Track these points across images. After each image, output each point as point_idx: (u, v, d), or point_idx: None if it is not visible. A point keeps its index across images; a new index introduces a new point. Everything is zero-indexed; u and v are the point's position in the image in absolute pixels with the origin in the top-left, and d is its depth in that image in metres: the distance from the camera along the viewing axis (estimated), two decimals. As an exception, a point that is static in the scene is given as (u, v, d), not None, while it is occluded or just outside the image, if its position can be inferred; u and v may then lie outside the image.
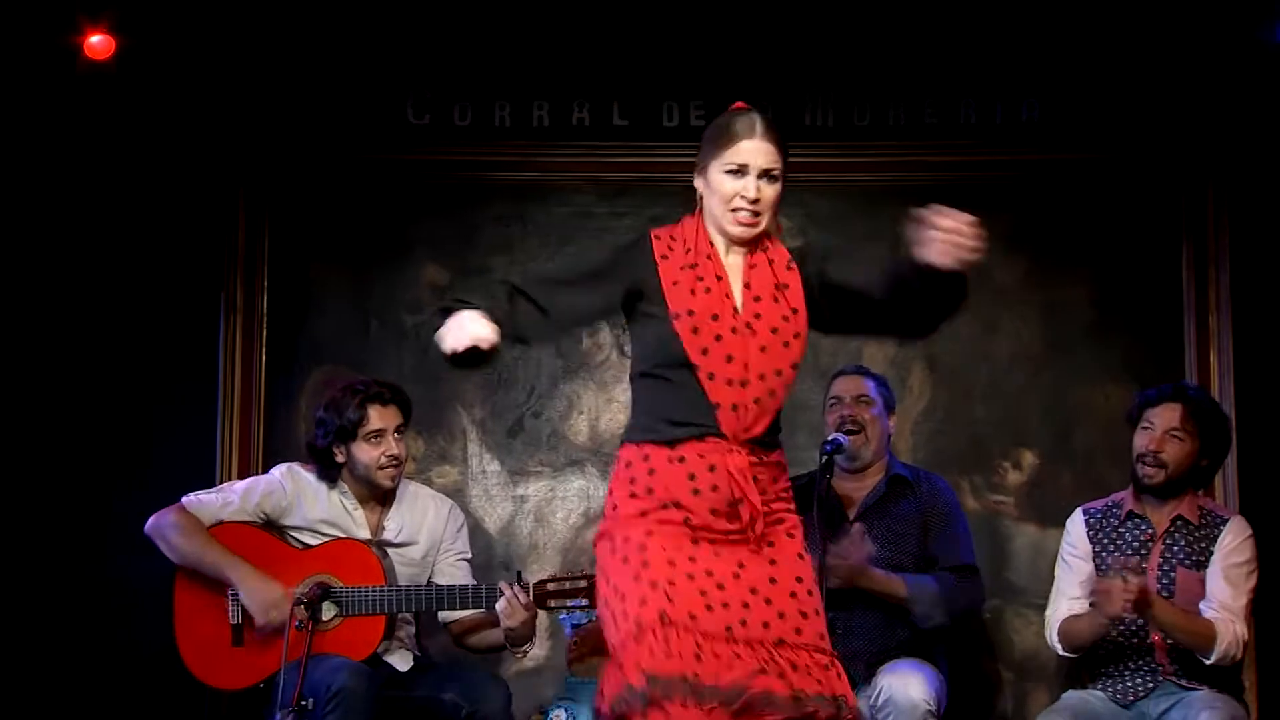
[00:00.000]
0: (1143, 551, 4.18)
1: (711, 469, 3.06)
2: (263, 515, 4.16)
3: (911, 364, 5.04)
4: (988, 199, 5.11)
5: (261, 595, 4.00)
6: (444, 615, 4.27)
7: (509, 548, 5.06)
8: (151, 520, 4.16)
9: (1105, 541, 4.28)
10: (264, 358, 5.11)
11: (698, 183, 3.25)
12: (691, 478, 3.05)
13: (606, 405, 5.13)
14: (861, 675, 4.10)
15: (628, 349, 5.12)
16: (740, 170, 3.15)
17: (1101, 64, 5.08)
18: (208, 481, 4.95)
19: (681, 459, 3.06)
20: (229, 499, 4.15)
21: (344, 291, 5.18)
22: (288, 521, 4.16)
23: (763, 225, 3.19)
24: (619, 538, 3.06)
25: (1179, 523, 4.19)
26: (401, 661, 4.16)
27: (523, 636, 4.10)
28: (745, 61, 5.13)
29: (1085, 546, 4.30)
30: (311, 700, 3.65)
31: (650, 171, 5.16)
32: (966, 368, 5.10)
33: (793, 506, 3.23)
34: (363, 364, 5.11)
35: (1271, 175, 4.99)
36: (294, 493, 4.16)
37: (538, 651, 4.77)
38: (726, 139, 3.17)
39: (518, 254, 5.19)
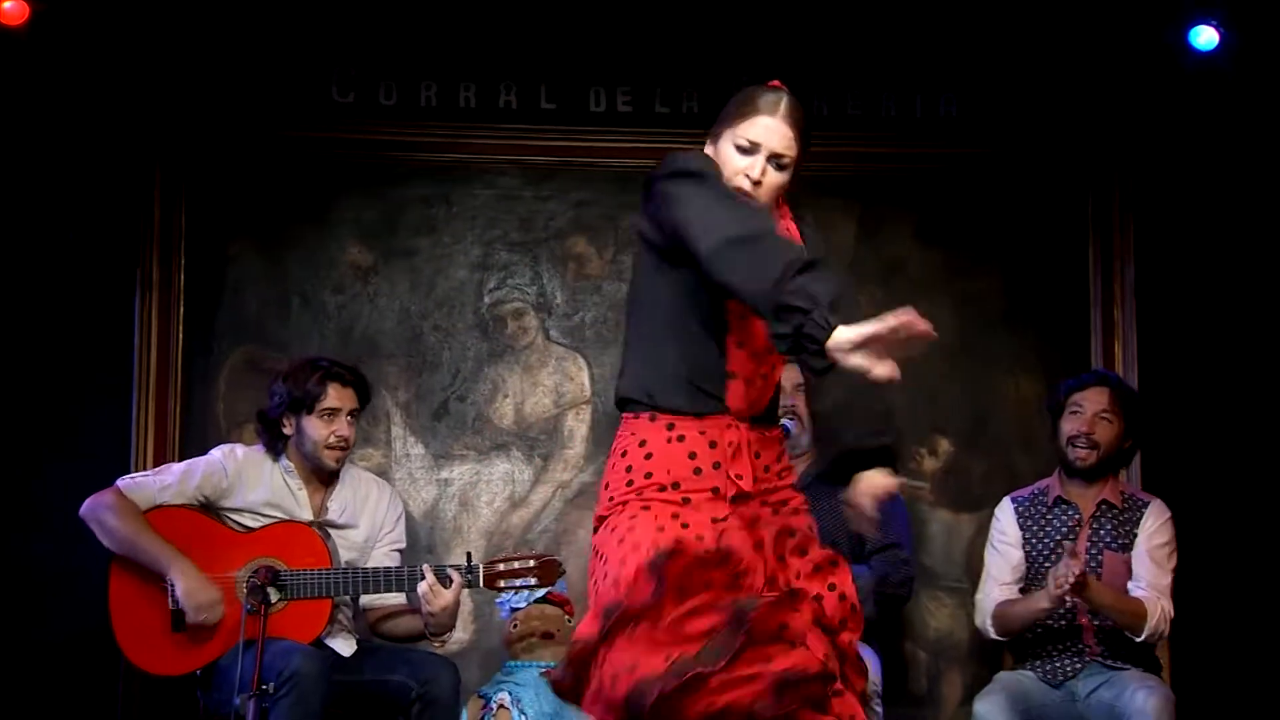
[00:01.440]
0: (1071, 536, 4.34)
1: (712, 445, 2.93)
2: (202, 498, 4.07)
3: (832, 351, 5.11)
4: (906, 191, 5.26)
5: (197, 597, 3.91)
6: (364, 600, 4.22)
7: (433, 532, 5.02)
8: (86, 504, 4.04)
9: (1035, 528, 4.43)
10: (181, 337, 4.98)
11: (708, 148, 3.04)
12: (692, 456, 2.92)
13: (532, 389, 5.12)
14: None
15: (553, 333, 5.15)
16: (751, 148, 2.98)
17: (1017, 63, 5.22)
18: (122, 463, 4.85)
19: (681, 437, 2.93)
20: (166, 481, 4.06)
21: (264, 270, 5.08)
22: (227, 504, 4.08)
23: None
24: (618, 521, 2.93)
25: (1104, 507, 4.37)
26: (344, 645, 4.11)
27: (443, 625, 4.07)
28: (671, 50, 5.17)
29: (1015, 534, 4.44)
30: (271, 684, 3.58)
31: (577, 156, 5.17)
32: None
33: (795, 483, 3.16)
34: (284, 344, 5.04)
35: (1175, 175, 5.18)
36: (235, 474, 4.08)
37: (461, 635, 4.76)
38: (746, 111, 3.01)
39: (442, 235, 5.16)
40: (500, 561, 4.05)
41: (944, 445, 5.19)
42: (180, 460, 4.69)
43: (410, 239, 5.14)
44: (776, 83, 3.12)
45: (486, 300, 5.14)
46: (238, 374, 5.03)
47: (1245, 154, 5.05)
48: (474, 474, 5.08)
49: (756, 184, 2.99)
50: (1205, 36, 4.95)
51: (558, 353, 5.14)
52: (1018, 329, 5.23)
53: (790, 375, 4.45)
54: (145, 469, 4.71)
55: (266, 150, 5.07)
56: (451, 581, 3.95)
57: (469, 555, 4.09)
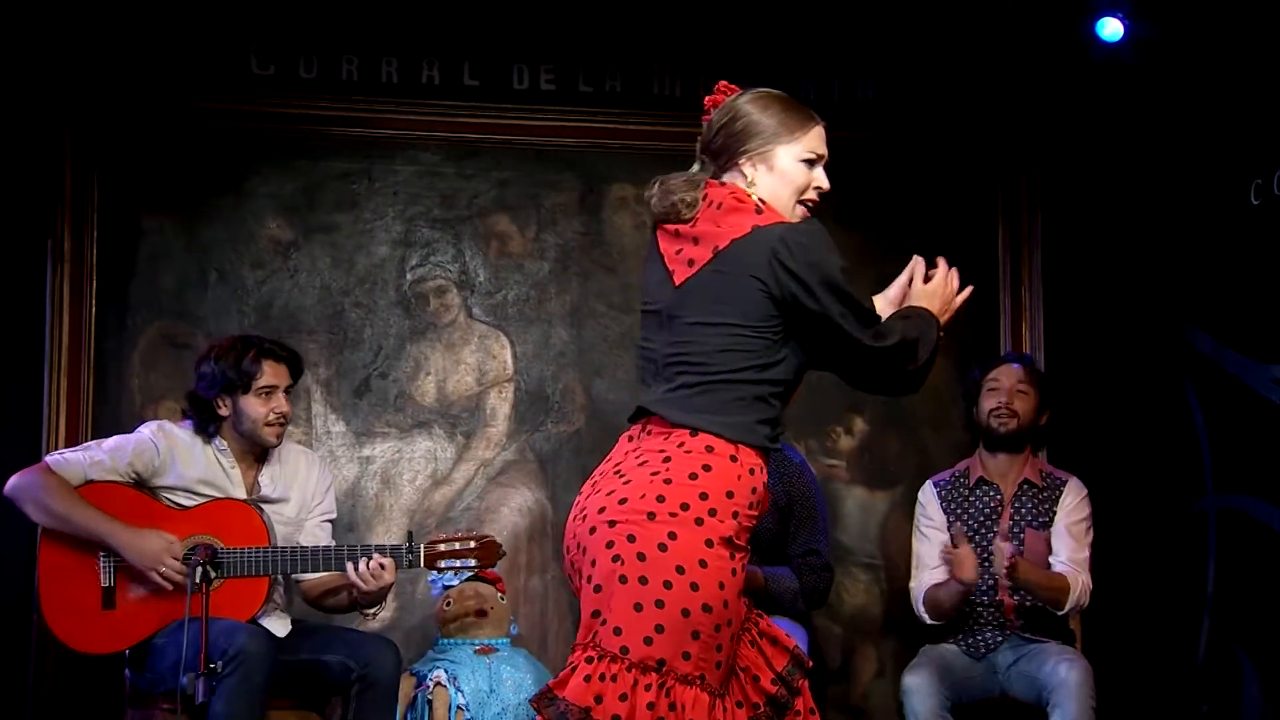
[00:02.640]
0: (994, 517, 4.46)
1: (753, 491, 2.95)
2: (134, 474, 3.99)
3: (752, 332, 5.17)
4: (828, 173, 5.31)
5: (144, 548, 3.83)
6: (298, 574, 4.18)
7: (355, 510, 4.98)
8: (13, 481, 3.93)
9: (958, 510, 4.55)
10: (94, 311, 4.87)
11: (748, 167, 3.03)
12: (753, 491, 2.94)
13: (454, 367, 5.10)
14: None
15: (476, 311, 5.13)
16: (817, 160, 3.03)
17: (932, 51, 5.33)
18: (34, 440, 4.74)
19: (751, 470, 2.93)
20: (97, 457, 3.97)
21: (180, 244, 4.98)
22: (160, 482, 4.00)
23: None
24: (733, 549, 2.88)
25: (1025, 486, 4.51)
26: (279, 625, 4.06)
27: (375, 600, 4.06)
28: (595, 29, 5.18)
29: (940, 517, 4.55)
30: (219, 663, 3.53)
31: (499, 134, 5.16)
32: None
33: None
34: (201, 320, 4.96)
35: (1081, 164, 5.34)
36: (167, 451, 4.01)
37: (384, 614, 4.74)
38: (804, 122, 3.04)
39: (363, 211, 5.11)
40: (441, 542, 4.04)
41: (859, 424, 5.29)
42: (93, 437, 4.62)
43: (330, 214, 5.08)
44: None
45: (409, 277, 5.11)
46: (153, 350, 4.93)
47: (1148, 143, 5.21)
48: (396, 452, 5.05)
49: (823, 196, 3.07)
50: (1111, 28, 5.09)
51: (480, 330, 5.13)
52: (930, 310, 5.33)
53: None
54: (58, 447, 4.61)
55: (183, 121, 4.97)
56: (386, 565, 3.92)
57: (410, 535, 4.07)
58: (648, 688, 2.78)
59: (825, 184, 3.05)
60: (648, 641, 2.79)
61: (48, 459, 3.98)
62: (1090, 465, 4.97)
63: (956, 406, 5.19)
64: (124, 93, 4.91)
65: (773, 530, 4.41)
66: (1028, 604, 4.37)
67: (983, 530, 4.45)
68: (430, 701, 4.10)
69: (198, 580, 3.62)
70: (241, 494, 4.07)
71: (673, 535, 2.81)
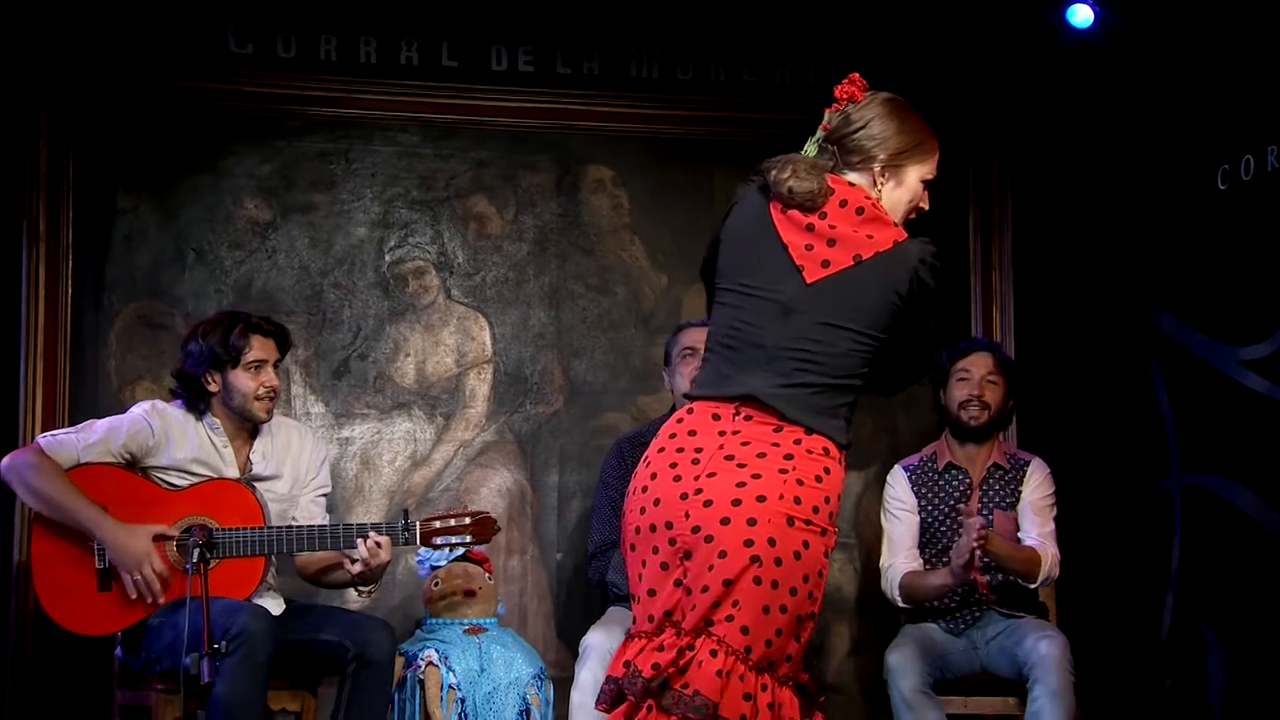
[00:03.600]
0: (963, 500, 4.55)
1: None
2: (128, 455, 3.96)
3: (728, 314, 5.21)
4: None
5: (128, 548, 3.82)
6: (294, 553, 4.17)
7: (335, 491, 4.91)
8: (5, 462, 3.90)
9: (929, 494, 4.62)
10: (70, 291, 4.82)
11: (882, 177, 3.11)
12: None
13: (434, 348, 5.11)
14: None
15: (455, 292, 5.14)
16: (929, 183, 3.17)
17: (905, 35, 5.39)
18: (10, 421, 4.69)
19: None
20: (89, 438, 3.94)
21: (157, 224, 4.95)
22: (153, 462, 3.98)
23: None
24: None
25: (992, 469, 4.60)
26: (274, 605, 4.06)
27: (374, 578, 4.07)
28: (573, 11, 5.19)
29: (911, 500, 4.62)
30: (224, 643, 3.53)
31: (477, 115, 5.16)
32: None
33: None
34: (178, 300, 4.93)
35: (1052, 148, 5.42)
36: (161, 431, 3.99)
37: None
38: (934, 143, 3.17)
39: (340, 192, 5.09)
40: (436, 519, 4.05)
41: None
42: (70, 418, 4.60)
43: (308, 195, 5.06)
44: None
45: (387, 258, 5.11)
46: (130, 330, 4.89)
47: (1118, 129, 5.30)
48: (375, 433, 5.04)
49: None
50: (1081, 15, 5.16)
51: (459, 312, 5.13)
52: (902, 293, 5.40)
53: (704, 338, 4.50)
54: (34, 428, 4.58)
55: (160, 100, 4.93)
56: (384, 543, 3.94)
57: (405, 512, 4.07)
58: (764, 688, 2.87)
59: (927, 205, 3.18)
60: (768, 644, 2.88)
61: (40, 440, 3.95)
62: (1057, 445, 5.06)
63: (926, 389, 5.25)
64: (100, 71, 4.86)
65: None
66: (999, 579, 4.45)
67: (953, 514, 4.53)
68: (422, 681, 4.12)
69: (195, 561, 3.60)
70: (234, 472, 4.06)
71: (806, 545, 2.90)
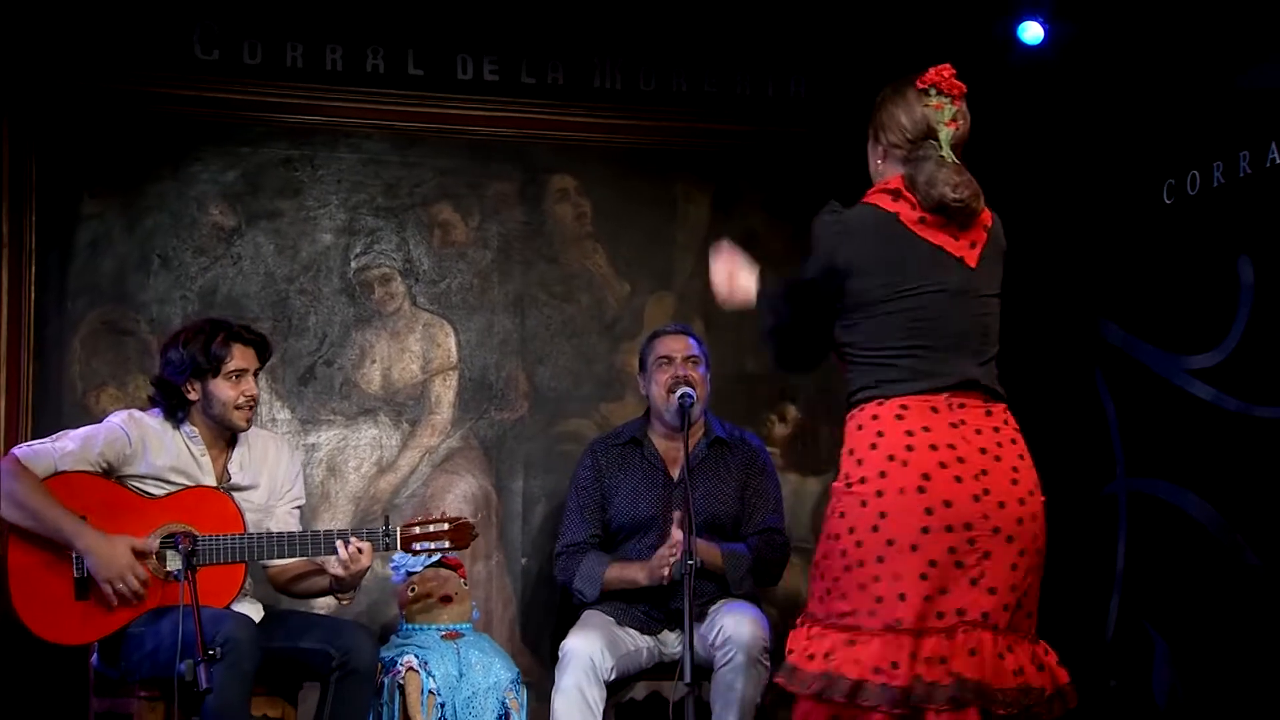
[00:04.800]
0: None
1: None
2: (104, 464, 3.95)
3: (690, 321, 5.28)
4: (757, 166, 5.46)
5: (108, 558, 3.81)
6: (267, 560, 4.18)
7: (301, 498, 4.98)
8: (-21, 474, 3.88)
9: None
10: (34, 296, 4.79)
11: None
12: None
13: (400, 354, 5.13)
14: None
15: (420, 299, 5.17)
16: None
17: (861, 49, 5.49)
18: (-29, 430, 4.65)
19: None
20: (67, 447, 3.92)
21: (122, 229, 4.93)
22: (130, 471, 3.97)
23: None
24: None
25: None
26: (253, 612, 4.06)
27: (353, 584, 4.10)
28: (538, 21, 5.24)
29: None
30: (218, 649, 3.53)
31: (442, 123, 5.20)
32: (739, 326, 5.39)
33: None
34: (143, 306, 4.92)
35: (1003, 162, 5.47)
36: (139, 440, 3.98)
37: (330, 600, 4.74)
38: None
39: (306, 199, 5.11)
40: (416, 525, 4.08)
41: (792, 412, 5.43)
42: (33, 425, 4.59)
43: (274, 201, 5.07)
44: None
45: (353, 265, 5.12)
46: (94, 336, 4.87)
47: (1066, 143, 5.43)
48: (341, 439, 5.06)
49: None
50: (1032, 32, 5.30)
51: (425, 319, 5.16)
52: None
53: (680, 346, 4.59)
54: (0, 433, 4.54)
55: (124, 104, 4.91)
56: (364, 549, 3.96)
57: (386, 518, 4.10)
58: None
59: None
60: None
61: (16, 450, 3.93)
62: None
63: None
64: (65, 75, 4.83)
65: (734, 513, 4.54)
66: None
67: None
68: (401, 686, 4.14)
69: (183, 568, 3.61)
70: (212, 481, 4.06)
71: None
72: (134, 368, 4.87)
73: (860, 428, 3.24)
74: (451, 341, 5.16)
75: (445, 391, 5.14)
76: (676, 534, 4.22)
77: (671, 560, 4.20)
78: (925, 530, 3.13)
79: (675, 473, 4.56)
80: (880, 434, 3.20)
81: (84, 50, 4.84)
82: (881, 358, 3.28)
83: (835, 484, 3.28)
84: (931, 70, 3.47)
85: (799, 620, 3.35)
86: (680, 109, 5.38)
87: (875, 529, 3.15)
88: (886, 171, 3.49)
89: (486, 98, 5.21)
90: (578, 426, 5.20)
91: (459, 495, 5.09)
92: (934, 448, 3.16)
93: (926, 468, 3.15)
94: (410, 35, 5.14)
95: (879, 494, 3.15)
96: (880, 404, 3.24)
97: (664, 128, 5.36)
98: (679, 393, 4.40)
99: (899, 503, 3.14)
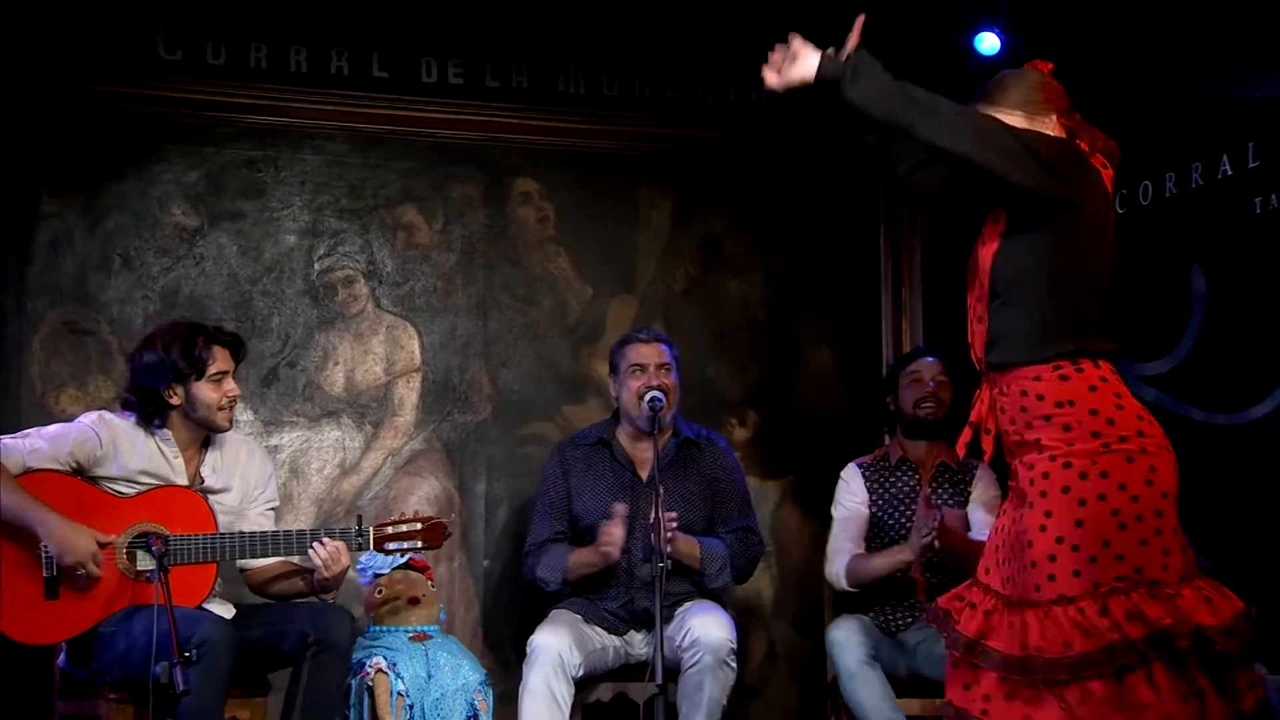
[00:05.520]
0: (913, 496, 4.72)
1: None
2: (74, 464, 3.92)
3: (651, 325, 5.30)
4: (720, 173, 5.51)
5: (71, 543, 3.78)
6: (244, 561, 4.17)
7: (263, 498, 4.95)
8: (-52, 466, 3.83)
9: (880, 489, 4.80)
10: (-9, 295, 4.75)
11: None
12: None
13: (363, 357, 5.13)
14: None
15: (384, 301, 5.18)
16: None
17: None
18: (-69, 429, 4.58)
19: None
20: (36, 445, 3.89)
21: (82, 228, 4.89)
22: (101, 472, 3.94)
23: None
24: None
25: (942, 467, 4.78)
26: (223, 610, 4.04)
27: (335, 584, 4.09)
28: (503, 24, 5.26)
29: (864, 495, 4.79)
30: (194, 651, 3.51)
31: (407, 125, 5.20)
32: (700, 330, 5.45)
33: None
34: (104, 306, 4.89)
35: (959, 168, 5.61)
36: (109, 442, 3.95)
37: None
38: None
39: (269, 200, 5.09)
40: (389, 524, 4.08)
41: (752, 416, 5.48)
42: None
43: (237, 202, 5.05)
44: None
45: (316, 267, 5.11)
46: (54, 337, 4.83)
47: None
48: (304, 441, 5.05)
49: None
50: (988, 42, 5.38)
51: (388, 321, 5.16)
52: (816, 307, 5.57)
53: (653, 354, 4.62)
54: (-45, 434, 4.48)
55: (87, 104, 4.88)
56: (343, 546, 3.96)
57: (359, 518, 4.10)
58: None
59: None
60: None
61: (-16, 444, 3.89)
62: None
63: (841, 398, 5.44)
64: (25, 72, 4.79)
65: (703, 513, 4.58)
66: (934, 580, 4.61)
67: (901, 509, 4.70)
68: (370, 688, 4.13)
69: (156, 569, 3.59)
70: (183, 482, 4.03)
71: None
72: (94, 368, 4.84)
73: (1093, 388, 3.22)
74: (415, 344, 5.16)
75: (408, 394, 5.14)
76: (618, 508, 4.34)
77: (615, 539, 4.29)
78: (1165, 495, 3.22)
79: (644, 474, 4.59)
80: (1118, 395, 3.22)
81: (46, 48, 4.80)
82: (1065, 305, 3.27)
83: (1077, 446, 3.18)
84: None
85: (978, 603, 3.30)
86: (643, 114, 5.42)
87: (1150, 483, 3.17)
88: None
89: (451, 101, 5.21)
90: (540, 429, 5.22)
91: (422, 497, 5.09)
92: (1140, 418, 3.26)
93: (1159, 434, 3.26)
94: (375, 37, 5.14)
95: (1143, 451, 3.18)
96: (1095, 365, 3.25)
97: (627, 132, 5.39)
98: (649, 397, 4.44)
99: (1166, 459, 3.23)
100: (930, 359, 4.87)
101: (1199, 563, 4.37)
